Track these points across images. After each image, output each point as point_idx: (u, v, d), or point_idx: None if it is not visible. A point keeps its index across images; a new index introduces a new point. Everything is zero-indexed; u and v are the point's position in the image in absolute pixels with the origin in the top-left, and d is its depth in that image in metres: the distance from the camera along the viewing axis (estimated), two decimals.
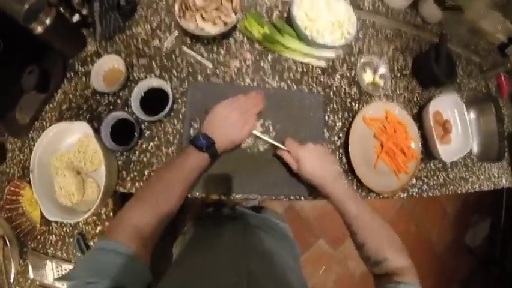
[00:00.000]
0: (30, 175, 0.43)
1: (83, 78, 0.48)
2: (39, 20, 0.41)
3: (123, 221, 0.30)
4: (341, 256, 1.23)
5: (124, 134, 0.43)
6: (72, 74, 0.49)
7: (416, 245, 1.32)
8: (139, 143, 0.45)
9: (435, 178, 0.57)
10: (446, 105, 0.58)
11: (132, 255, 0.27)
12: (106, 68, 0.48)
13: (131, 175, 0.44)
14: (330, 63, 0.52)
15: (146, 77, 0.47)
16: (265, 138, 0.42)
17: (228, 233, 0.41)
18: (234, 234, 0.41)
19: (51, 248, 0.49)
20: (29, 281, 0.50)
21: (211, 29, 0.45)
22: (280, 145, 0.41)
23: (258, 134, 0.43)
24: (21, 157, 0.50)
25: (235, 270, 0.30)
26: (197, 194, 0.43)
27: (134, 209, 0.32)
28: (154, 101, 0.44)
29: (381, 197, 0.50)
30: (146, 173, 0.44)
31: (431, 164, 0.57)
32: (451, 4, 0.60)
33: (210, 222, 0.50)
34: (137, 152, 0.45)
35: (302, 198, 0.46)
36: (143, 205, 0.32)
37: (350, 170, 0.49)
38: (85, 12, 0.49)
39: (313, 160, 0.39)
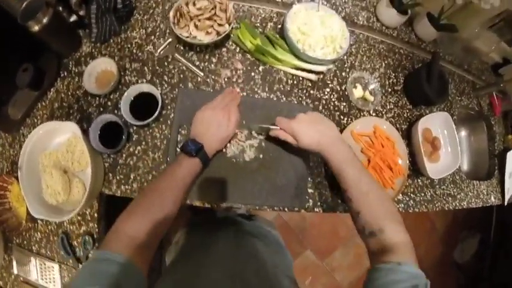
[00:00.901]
0: (19, 171, 0.43)
1: (76, 79, 0.49)
2: (37, 18, 0.42)
3: (118, 232, 0.30)
4: (328, 267, 1.23)
5: (112, 137, 0.44)
6: (66, 73, 0.50)
7: None
8: (127, 146, 0.45)
9: (423, 194, 0.57)
10: (436, 123, 0.59)
11: (127, 263, 0.27)
12: (99, 69, 0.48)
13: (117, 178, 0.44)
14: (321, 77, 0.52)
15: (137, 82, 0.47)
16: (255, 124, 0.42)
17: (221, 240, 0.41)
18: (227, 242, 0.41)
19: (36, 245, 0.49)
20: (13, 276, 0.50)
21: (204, 38, 0.45)
22: (271, 126, 0.41)
23: (245, 124, 0.43)
24: (11, 152, 0.51)
25: (229, 278, 0.30)
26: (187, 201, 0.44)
27: (128, 219, 0.32)
28: (144, 105, 0.45)
29: None
30: (132, 176, 0.44)
31: (419, 180, 0.57)
32: (445, 23, 0.60)
33: (202, 230, 0.51)
34: (124, 155, 0.45)
35: (286, 209, 0.46)
36: (137, 215, 0.32)
37: (334, 183, 0.49)
38: (82, 13, 0.49)
39: (309, 129, 0.38)
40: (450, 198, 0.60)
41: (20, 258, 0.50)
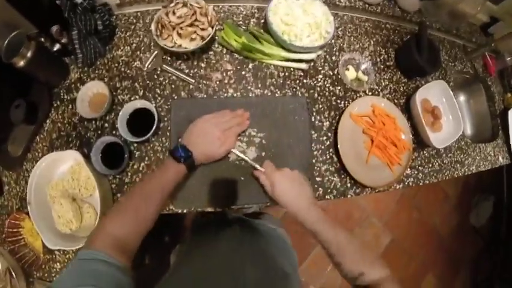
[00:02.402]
0: (28, 207, 0.43)
1: (70, 106, 0.49)
2: (21, 54, 0.42)
3: (103, 232, 0.31)
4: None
5: (114, 157, 0.44)
6: (58, 102, 0.50)
7: (421, 231, 1.32)
8: (130, 165, 0.45)
9: (430, 165, 0.57)
10: (433, 92, 0.58)
11: (113, 263, 0.27)
12: (91, 93, 0.48)
13: None
14: (312, 65, 0.52)
15: (130, 99, 0.47)
16: (244, 157, 0.43)
17: (224, 239, 0.42)
18: (231, 241, 0.41)
19: (57, 276, 0.50)
20: None
21: (189, 45, 0.45)
22: (258, 166, 0.42)
23: (237, 153, 0.43)
24: (18, 189, 0.51)
25: (232, 277, 0.30)
26: (193, 208, 0.44)
27: (114, 220, 0.33)
28: (141, 121, 0.45)
29: (376, 191, 0.51)
30: None
31: (425, 152, 0.57)
32: None
33: (207, 230, 0.51)
34: (129, 174, 0.45)
35: None
36: (123, 216, 0.33)
37: (342, 168, 0.49)
38: (64, 40, 0.49)
39: (287, 185, 0.39)
40: (458, 165, 0.60)
41: None
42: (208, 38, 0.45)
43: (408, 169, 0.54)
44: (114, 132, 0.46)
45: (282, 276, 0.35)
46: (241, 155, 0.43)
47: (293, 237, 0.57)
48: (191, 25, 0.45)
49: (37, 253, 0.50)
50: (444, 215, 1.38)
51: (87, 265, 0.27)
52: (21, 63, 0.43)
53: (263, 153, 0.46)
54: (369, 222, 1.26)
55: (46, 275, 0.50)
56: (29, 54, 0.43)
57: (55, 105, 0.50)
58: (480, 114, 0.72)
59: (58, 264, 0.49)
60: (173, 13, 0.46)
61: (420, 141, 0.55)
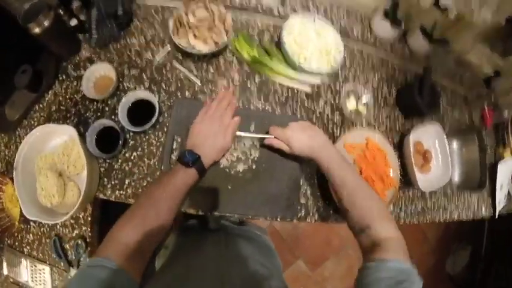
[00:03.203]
0: (14, 172, 0.43)
1: (75, 83, 0.49)
2: (38, 21, 0.42)
3: (113, 240, 0.31)
4: (319, 278, 1.23)
5: (108, 142, 0.44)
6: (64, 76, 0.50)
7: None
8: (123, 152, 0.46)
9: (414, 206, 0.58)
10: (428, 135, 0.60)
11: (119, 270, 0.27)
12: (98, 75, 0.49)
13: (112, 182, 0.45)
14: (316, 89, 0.53)
15: (135, 88, 0.48)
16: (250, 135, 0.44)
17: (210, 243, 0.42)
18: (217, 245, 0.41)
19: (28, 247, 0.49)
20: (3, 277, 0.50)
21: (202, 48, 0.46)
22: (265, 135, 0.43)
23: (242, 134, 0.44)
24: (6, 153, 0.51)
25: (218, 280, 0.30)
26: None
27: (123, 227, 0.32)
28: (141, 112, 0.45)
29: None
30: (127, 181, 0.45)
31: (410, 193, 0.58)
32: (438, 37, 0.62)
33: (192, 234, 0.51)
34: (120, 161, 0.45)
35: (278, 219, 0.47)
36: (132, 224, 0.32)
37: (327, 194, 0.50)
38: (82, 17, 0.50)
39: (300, 136, 0.40)
40: (441, 210, 0.61)
41: (11, 259, 0.49)
42: (222, 45, 0.46)
43: (391, 206, 0.55)
44: (113, 117, 0.47)
45: (267, 277, 0.35)
46: (247, 134, 0.44)
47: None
48: (208, 29, 0.47)
49: (13, 220, 0.49)
50: (420, 257, 1.37)
51: (92, 272, 0.26)
52: (37, 30, 0.43)
53: (254, 166, 0.47)
54: (345, 253, 1.24)
55: (17, 243, 0.50)
56: (46, 23, 0.43)
57: (60, 78, 0.50)
58: (470, 163, 0.74)
59: (31, 235, 0.49)
60: (193, 14, 0.47)
61: (407, 181, 0.56)
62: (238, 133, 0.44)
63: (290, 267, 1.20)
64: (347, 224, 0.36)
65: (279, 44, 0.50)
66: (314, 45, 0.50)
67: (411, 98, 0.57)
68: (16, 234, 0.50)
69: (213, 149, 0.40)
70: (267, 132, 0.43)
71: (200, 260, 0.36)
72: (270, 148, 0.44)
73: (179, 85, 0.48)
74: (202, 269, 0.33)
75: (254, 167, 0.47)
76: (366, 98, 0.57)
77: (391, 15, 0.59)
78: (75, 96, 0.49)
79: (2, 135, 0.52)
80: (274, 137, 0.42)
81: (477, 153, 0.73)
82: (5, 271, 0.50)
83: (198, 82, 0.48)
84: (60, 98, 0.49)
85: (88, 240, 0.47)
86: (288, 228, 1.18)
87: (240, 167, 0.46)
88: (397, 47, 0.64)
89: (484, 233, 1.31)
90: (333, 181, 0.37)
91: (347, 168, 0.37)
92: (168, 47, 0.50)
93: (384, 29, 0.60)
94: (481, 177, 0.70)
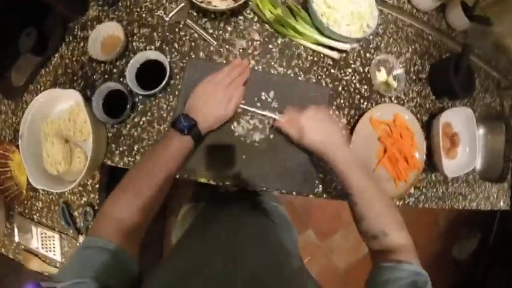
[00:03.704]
0: (19, 140, 0.41)
1: (82, 44, 0.46)
2: None
3: (106, 216, 0.29)
4: (327, 249, 1.25)
5: (116, 106, 0.42)
6: (71, 38, 0.47)
7: None
8: (131, 117, 0.43)
9: (435, 190, 0.55)
10: (458, 118, 0.55)
11: (116, 249, 0.26)
12: (105, 34, 0.45)
13: (121, 149, 0.43)
14: (344, 56, 0.48)
15: (145, 48, 0.44)
16: (258, 111, 0.40)
17: (223, 222, 0.40)
18: (230, 223, 0.39)
19: (37, 214, 0.49)
20: (14, 244, 0.50)
21: (220, 4, 0.41)
22: (276, 116, 0.39)
23: (247, 107, 0.40)
24: (14, 120, 0.49)
25: (230, 257, 0.29)
26: (185, 175, 0.42)
27: (116, 201, 0.31)
28: (151, 74, 0.42)
29: None
30: (135, 148, 0.42)
31: (432, 176, 0.55)
32: (479, 15, 0.55)
33: (206, 209, 0.49)
34: (128, 126, 0.43)
35: (294, 193, 0.45)
36: (125, 197, 0.31)
37: None
38: None
39: (317, 127, 0.37)
40: (461, 197, 0.58)
41: (22, 226, 0.49)
42: (241, 1, 0.41)
43: (412, 189, 0.52)
44: (121, 79, 0.43)
45: (285, 254, 0.33)
46: (252, 109, 0.40)
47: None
48: None
49: (21, 188, 0.48)
50: (429, 238, 1.37)
51: (88, 254, 0.26)
52: None
53: (271, 136, 0.43)
54: (353, 227, 1.25)
55: (27, 211, 0.49)
56: None
57: (67, 40, 0.47)
58: (494, 153, 0.69)
59: (40, 202, 0.49)
60: None
61: (431, 164, 0.53)
62: (244, 107, 0.40)
63: (300, 236, 1.22)
64: (357, 228, 0.34)
65: (305, 3, 0.45)
66: (346, 7, 0.45)
67: (446, 77, 0.51)
68: (25, 201, 0.49)
69: (211, 116, 0.37)
70: (280, 112, 0.38)
71: (213, 243, 0.34)
72: (278, 131, 0.40)
73: (193, 45, 0.44)
74: (215, 251, 0.31)
75: (272, 136, 0.43)
76: (397, 70, 0.51)
77: None
78: (82, 58, 0.46)
79: (9, 101, 0.50)
80: (285, 121, 0.38)
81: (502, 143, 0.68)
82: (17, 238, 0.50)
83: (214, 42, 0.44)
84: (67, 61, 0.46)
85: (96, 207, 0.46)
86: (299, 198, 1.18)
87: (256, 137, 0.43)
88: (435, 19, 0.57)
89: (494, 223, 1.29)
90: (349, 185, 0.34)
91: (364, 172, 0.34)
92: (182, 3, 0.45)
93: None
94: (503, 170, 0.66)
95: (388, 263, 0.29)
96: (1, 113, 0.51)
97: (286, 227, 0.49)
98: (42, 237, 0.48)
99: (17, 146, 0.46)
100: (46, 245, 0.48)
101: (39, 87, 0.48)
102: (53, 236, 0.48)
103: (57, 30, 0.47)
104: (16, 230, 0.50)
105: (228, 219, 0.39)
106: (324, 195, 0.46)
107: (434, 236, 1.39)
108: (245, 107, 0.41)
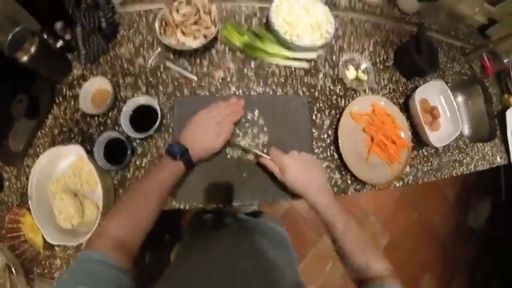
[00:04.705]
0: (29, 202, 0.43)
1: (72, 102, 0.49)
2: (24, 49, 0.42)
3: (103, 233, 0.31)
4: None
5: (117, 153, 0.44)
6: (61, 98, 0.50)
7: (420, 231, 1.33)
8: (133, 160, 0.45)
9: (429, 164, 0.57)
10: (432, 92, 0.59)
11: (113, 264, 0.28)
12: (94, 89, 0.48)
13: None
14: (313, 64, 0.53)
15: (133, 95, 0.48)
16: (246, 147, 0.43)
17: (222, 238, 0.42)
18: (229, 239, 0.41)
19: (57, 272, 0.49)
20: None
21: (192, 43, 0.46)
22: (262, 154, 0.42)
23: (236, 142, 0.43)
24: (19, 185, 0.51)
25: (230, 276, 0.30)
26: (194, 204, 0.44)
27: (114, 220, 0.33)
28: (144, 117, 0.45)
29: (376, 188, 0.51)
30: None
31: (423, 151, 0.57)
32: None
33: (205, 230, 0.51)
34: (131, 169, 0.45)
35: (289, 200, 0.46)
36: (122, 216, 0.33)
37: (342, 166, 0.50)
38: (68, 37, 0.50)
39: (298, 168, 0.39)
40: (457, 164, 0.61)
41: (43, 287, 0.50)
42: (212, 37, 0.45)
43: (408, 167, 0.54)
44: (116, 128, 0.46)
45: (282, 270, 0.35)
46: (241, 145, 0.43)
47: (292, 236, 0.57)
48: (195, 23, 0.46)
49: (37, 249, 0.49)
50: (442, 216, 1.38)
51: (85, 265, 0.27)
52: (25, 58, 0.43)
53: (265, 150, 0.46)
54: (367, 222, 1.27)
55: (46, 271, 0.50)
56: (32, 50, 0.43)
57: (57, 101, 0.50)
58: (478, 115, 0.73)
59: (59, 260, 0.49)
60: (177, 11, 0.47)
61: (419, 141, 0.56)
62: (235, 141, 0.43)
63: (316, 245, 1.20)
64: (342, 263, 0.36)
65: (268, 26, 0.49)
66: (304, 21, 0.49)
67: (410, 58, 0.56)
68: (43, 262, 0.50)
69: (200, 146, 0.40)
70: (267, 152, 0.41)
71: (212, 257, 0.36)
72: (263, 167, 0.43)
73: (176, 84, 0.48)
74: (213, 267, 0.33)
75: (265, 151, 0.46)
76: (364, 64, 0.56)
77: None
78: (75, 115, 0.49)
79: (11, 168, 0.52)
80: (271, 159, 0.40)
81: (483, 104, 0.72)
82: None
83: (194, 78, 0.48)
84: (61, 120, 0.49)
85: None
86: (306, 207, 1.19)
87: (250, 156, 0.46)
88: (386, 9, 0.63)
89: (501, 182, 1.30)
90: (329, 226, 0.36)
91: (343, 215, 0.36)
92: (158, 49, 0.49)
93: None
94: (491, 128, 0.69)
95: (376, 284, 0.31)
96: (4, 180, 0.52)
97: (283, 247, 0.50)
98: None
99: (27, 209, 0.47)
100: None
101: (38, 150, 0.50)
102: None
103: (47, 93, 0.50)
104: None
105: (227, 240, 0.41)
106: None
107: (447, 211, 1.39)
108: (235, 142, 0.43)
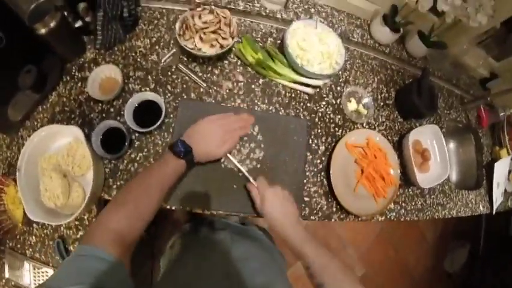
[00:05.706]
0: (17, 173, 0.43)
1: (79, 84, 0.50)
2: (44, 21, 0.42)
3: (102, 226, 0.30)
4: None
5: (114, 143, 0.45)
6: (68, 78, 0.50)
7: (395, 269, 1.33)
8: (128, 153, 0.46)
9: (413, 203, 0.59)
10: (426, 135, 0.62)
11: (113, 261, 0.27)
12: (103, 76, 0.49)
13: (118, 183, 0.45)
14: (317, 91, 0.55)
15: (141, 90, 0.48)
16: (239, 166, 0.44)
17: (217, 243, 0.42)
18: (224, 244, 0.42)
19: (30, 249, 0.49)
20: (4, 281, 0.49)
21: (208, 50, 0.47)
22: (251, 179, 0.43)
23: (233, 159, 0.44)
24: (8, 154, 0.50)
25: (227, 279, 0.31)
26: (181, 206, 0.45)
27: (113, 213, 0.32)
28: (147, 113, 0.46)
29: (359, 219, 0.53)
30: None
31: (409, 190, 0.59)
32: (435, 40, 0.64)
33: (198, 235, 0.51)
34: (125, 161, 0.46)
35: None
36: (122, 209, 0.32)
37: (330, 193, 0.51)
38: (88, 19, 0.50)
39: (276, 203, 0.40)
40: (440, 207, 0.62)
41: (13, 262, 0.49)
42: (227, 48, 0.47)
43: (392, 204, 0.56)
44: (118, 118, 0.47)
45: (274, 277, 0.36)
46: (238, 165, 0.44)
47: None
48: (214, 32, 0.47)
49: (15, 222, 0.49)
50: (419, 256, 1.39)
51: (85, 262, 0.26)
52: (43, 30, 0.43)
53: (258, 166, 0.48)
54: (344, 253, 1.27)
55: (19, 245, 0.49)
56: (52, 24, 0.43)
57: (64, 79, 0.50)
58: (467, 163, 0.75)
59: (34, 237, 0.49)
60: (200, 17, 0.48)
61: (407, 180, 0.58)
62: (232, 159, 0.44)
63: (291, 268, 1.20)
64: None
65: (281, 48, 0.51)
66: (316, 48, 0.52)
67: (410, 99, 0.58)
68: (18, 236, 0.49)
69: (204, 149, 0.40)
70: (255, 177, 0.43)
71: (208, 260, 0.36)
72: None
73: (184, 87, 0.49)
74: (211, 269, 0.33)
75: (259, 166, 0.47)
76: (366, 99, 0.58)
77: (390, 19, 0.61)
78: (79, 97, 0.49)
79: (4, 136, 0.52)
80: (256, 186, 0.42)
81: (474, 153, 0.75)
82: (7, 274, 0.49)
83: (203, 84, 0.49)
84: (65, 99, 0.49)
85: None
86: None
87: (245, 167, 0.47)
88: (395, 50, 0.66)
89: (481, 230, 1.32)
90: (305, 258, 0.36)
91: (315, 246, 0.37)
92: (173, 50, 0.50)
93: (383, 33, 0.62)
94: (478, 177, 0.72)
95: None
96: None
97: (272, 252, 0.51)
98: (35, 273, 0.48)
99: (12, 180, 0.47)
100: (39, 281, 0.48)
101: (35, 123, 0.50)
102: (47, 272, 0.48)
103: (56, 69, 0.50)
104: (6, 266, 0.49)
105: (221, 244, 0.42)
106: (312, 217, 0.49)
107: (424, 252, 1.40)
108: (232, 159, 0.44)
